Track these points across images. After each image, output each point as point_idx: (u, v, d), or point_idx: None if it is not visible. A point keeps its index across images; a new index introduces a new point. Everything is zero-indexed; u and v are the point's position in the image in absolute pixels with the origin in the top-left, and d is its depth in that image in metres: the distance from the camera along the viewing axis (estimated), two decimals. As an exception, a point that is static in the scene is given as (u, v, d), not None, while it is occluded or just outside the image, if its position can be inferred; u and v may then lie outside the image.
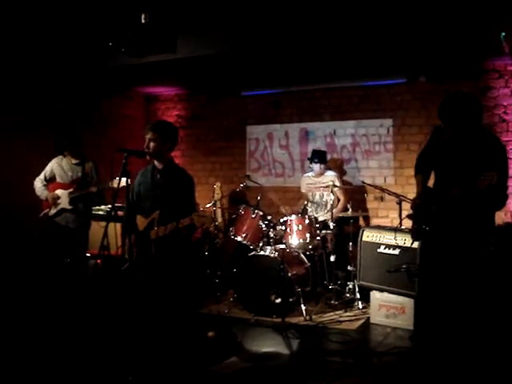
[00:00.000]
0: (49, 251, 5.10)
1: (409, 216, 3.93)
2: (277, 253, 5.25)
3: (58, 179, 5.15)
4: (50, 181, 5.17)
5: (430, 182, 3.76)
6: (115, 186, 4.74)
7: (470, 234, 3.37)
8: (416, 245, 4.38)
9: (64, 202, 5.06)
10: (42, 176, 5.17)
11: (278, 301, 5.03)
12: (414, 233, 3.69)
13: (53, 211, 5.07)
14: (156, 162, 3.93)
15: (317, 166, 6.21)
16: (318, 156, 6.23)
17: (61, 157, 5.22)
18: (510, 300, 4.26)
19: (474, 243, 3.39)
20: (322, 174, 6.26)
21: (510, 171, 3.58)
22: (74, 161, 5.19)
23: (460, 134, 3.37)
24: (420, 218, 3.57)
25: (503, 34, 4.79)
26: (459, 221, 3.36)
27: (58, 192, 5.08)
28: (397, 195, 5.48)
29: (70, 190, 5.07)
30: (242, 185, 6.14)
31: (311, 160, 6.29)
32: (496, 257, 4.45)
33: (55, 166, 5.18)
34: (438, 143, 3.58)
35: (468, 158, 3.32)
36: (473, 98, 3.39)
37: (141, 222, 3.90)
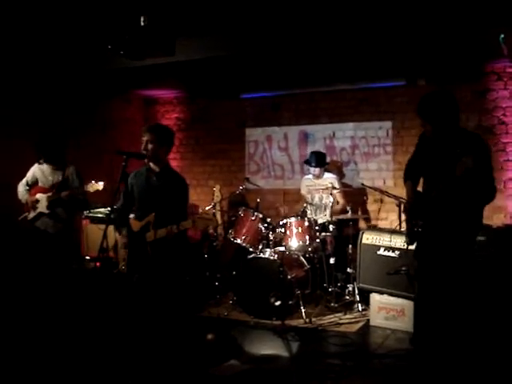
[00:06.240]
0: (30, 255, 5.09)
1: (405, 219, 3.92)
2: (276, 255, 5.24)
3: (40, 183, 5.13)
4: (33, 185, 5.15)
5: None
6: (90, 190, 4.80)
7: (455, 231, 3.36)
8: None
9: (42, 206, 5.01)
10: (24, 181, 5.16)
11: (278, 303, 5.02)
12: (408, 235, 3.68)
13: (31, 215, 5.06)
14: (152, 165, 3.91)
15: (316, 170, 6.21)
16: (316, 160, 6.21)
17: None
18: (510, 301, 4.26)
19: (459, 241, 3.38)
20: (320, 176, 6.26)
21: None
22: (54, 166, 5.15)
23: (439, 131, 3.39)
24: (413, 219, 3.57)
25: (502, 36, 4.80)
26: (444, 218, 3.36)
27: (38, 196, 5.05)
28: (396, 197, 5.47)
29: (49, 194, 5.03)
30: (241, 187, 6.13)
31: (309, 163, 6.29)
32: (494, 258, 4.46)
33: (37, 170, 5.16)
34: (424, 149, 3.62)
35: (449, 157, 3.29)
36: (448, 95, 3.39)
37: (134, 224, 3.89)
